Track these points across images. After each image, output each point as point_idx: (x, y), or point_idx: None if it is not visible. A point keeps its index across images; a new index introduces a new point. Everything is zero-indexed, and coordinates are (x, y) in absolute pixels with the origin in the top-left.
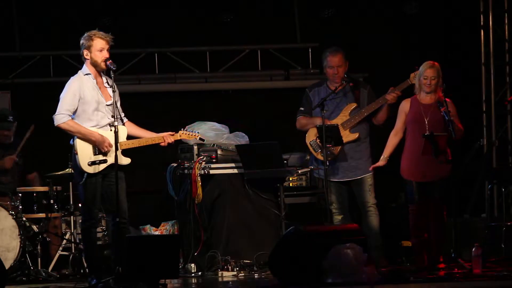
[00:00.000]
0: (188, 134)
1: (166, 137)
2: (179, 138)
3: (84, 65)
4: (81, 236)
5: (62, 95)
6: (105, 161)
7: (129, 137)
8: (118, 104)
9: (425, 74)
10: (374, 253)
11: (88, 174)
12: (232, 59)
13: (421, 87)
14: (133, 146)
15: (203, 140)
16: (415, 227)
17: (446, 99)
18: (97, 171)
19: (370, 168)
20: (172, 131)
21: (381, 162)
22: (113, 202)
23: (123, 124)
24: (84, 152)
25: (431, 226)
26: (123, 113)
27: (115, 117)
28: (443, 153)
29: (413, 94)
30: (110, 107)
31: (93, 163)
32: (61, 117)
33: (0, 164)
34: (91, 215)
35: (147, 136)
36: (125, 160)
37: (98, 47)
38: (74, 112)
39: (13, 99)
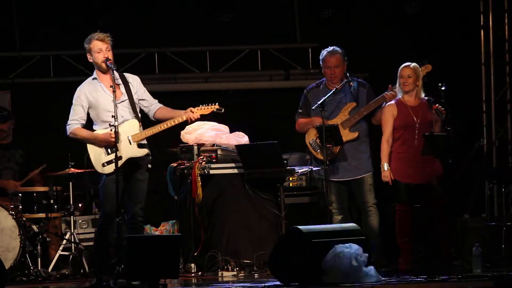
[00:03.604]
0: (205, 108)
1: (188, 114)
2: (198, 115)
3: (94, 69)
4: (96, 234)
5: (72, 104)
6: (120, 157)
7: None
8: (143, 94)
9: (400, 74)
10: (374, 253)
11: (107, 174)
12: (232, 59)
13: (401, 87)
14: (146, 136)
15: (221, 110)
16: (400, 228)
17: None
18: (111, 170)
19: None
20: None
21: (388, 172)
22: (132, 200)
23: (136, 118)
24: (96, 156)
25: (439, 227)
26: (155, 100)
27: (115, 117)
28: (442, 153)
29: None
30: (124, 104)
31: (108, 162)
32: (68, 128)
33: (4, 183)
34: (107, 214)
35: (168, 118)
36: (141, 151)
37: (96, 49)
38: (88, 119)
39: (13, 99)
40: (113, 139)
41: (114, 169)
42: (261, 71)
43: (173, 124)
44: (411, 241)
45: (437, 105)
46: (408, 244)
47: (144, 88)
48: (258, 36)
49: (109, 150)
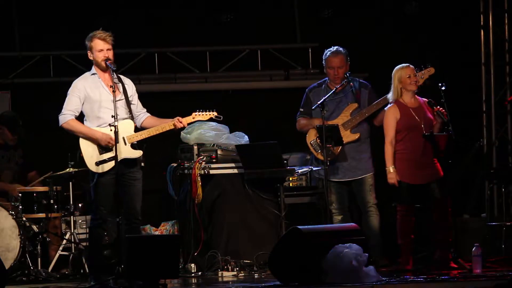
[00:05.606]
0: (203, 115)
1: (177, 122)
2: (192, 120)
3: (92, 66)
4: (88, 235)
5: (67, 96)
6: (113, 158)
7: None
8: (135, 99)
9: (406, 74)
10: (374, 253)
11: (98, 174)
12: (232, 59)
13: (406, 87)
14: (142, 138)
15: (220, 117)
16: (402, 229)
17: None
18: (105, 170)
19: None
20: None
21: (394, 174)
22: (127, 202)
23: (131, 119)
24: (89, 153)
25: (438, 227)
26: (144, 109)
27: (115, 116)
28: (442, 153)
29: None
30: (121, 103)
31: (100, 162)
32: (63, 118)
33: (7, 186)
34: (99, 214)
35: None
36: (136, 153)
37: (97, 48)
38: (82, 112)
39: (13, 99)
40: (113, 142)
41: (108, 169)
42: (261, 71)
43: (161, 131)
44: (412, 241)
45: (438, 107)
46: (409, 245)
47: (137, 94)
48: (258, 36)
49: (102, 148)
